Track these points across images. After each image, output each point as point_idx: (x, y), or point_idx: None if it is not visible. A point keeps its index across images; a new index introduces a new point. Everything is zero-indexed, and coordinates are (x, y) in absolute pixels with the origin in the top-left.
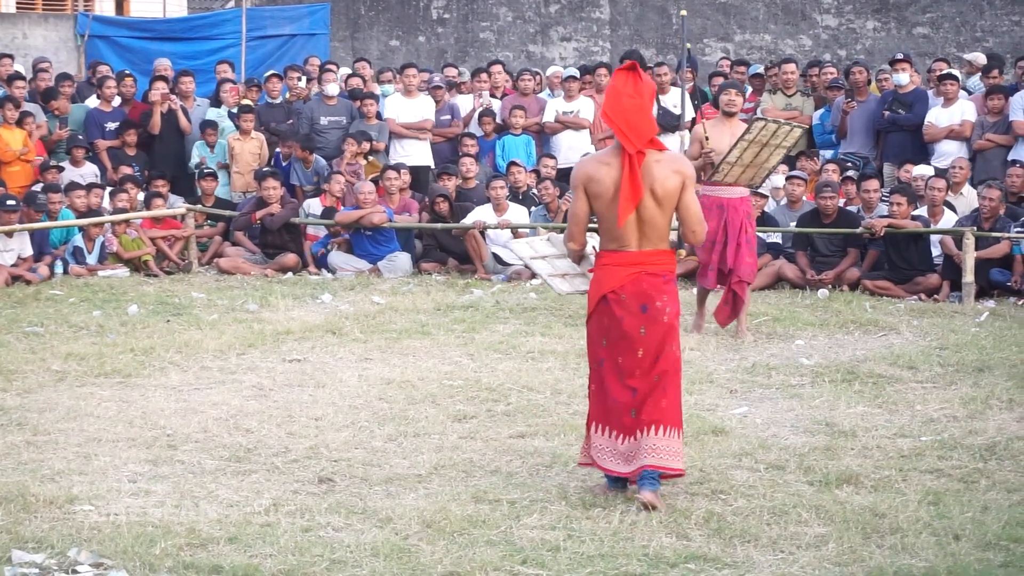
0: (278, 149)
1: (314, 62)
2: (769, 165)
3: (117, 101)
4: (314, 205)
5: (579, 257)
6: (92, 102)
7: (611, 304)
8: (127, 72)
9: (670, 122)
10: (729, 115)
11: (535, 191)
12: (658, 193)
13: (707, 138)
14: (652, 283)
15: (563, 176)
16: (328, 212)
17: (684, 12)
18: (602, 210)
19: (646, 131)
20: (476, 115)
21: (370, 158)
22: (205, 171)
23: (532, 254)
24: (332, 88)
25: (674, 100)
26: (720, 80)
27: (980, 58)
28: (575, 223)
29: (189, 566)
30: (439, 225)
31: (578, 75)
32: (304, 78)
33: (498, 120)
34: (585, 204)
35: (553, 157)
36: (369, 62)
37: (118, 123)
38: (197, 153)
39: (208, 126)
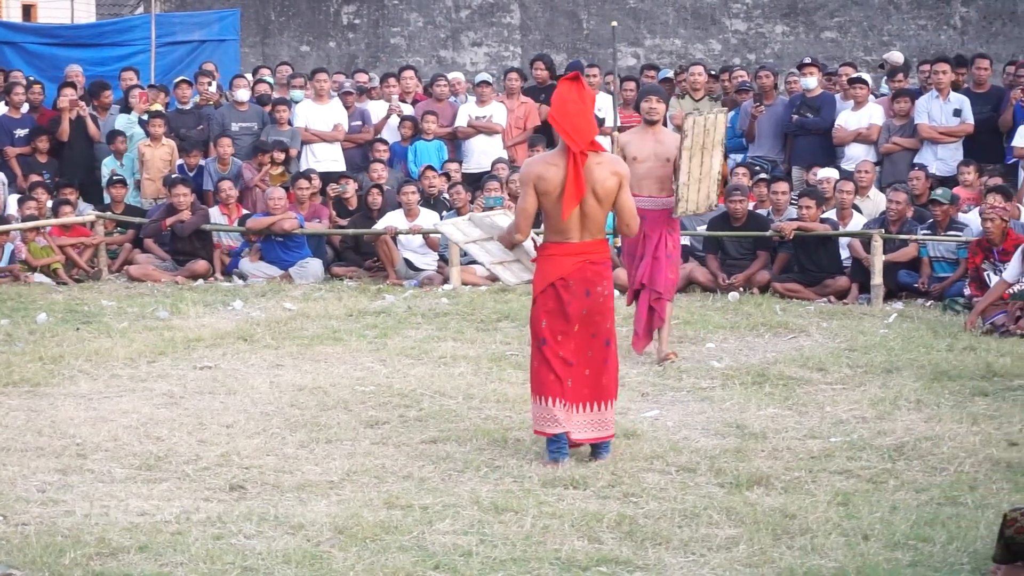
0: (180, 160)
1: (208, 67)
2: (714, 173)
3: (26, 108)
4: (214, 214)
5: (513, 245)
6: (0, 109)
7: (559, 290)
8: (34, 79)
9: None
10: (651, 123)
11: (446, 196)
12: (599, 192)
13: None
14: (594, 271)
15: (474, 180)
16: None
17: (615, 23)
18: (549, 206)
19: (588, 133)
20: (396, 120)
21: (280, 169)
22: (114, 177)
23: (463, 238)
24: (242, 94)
25: (600, 103)
26: (632, 85)
27: (897, 56)
28: (524, 217)
29: (99, 575)
30: (350, 231)
31: (490, 80)
32: (214, 83)
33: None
34: (534, 200)
35: (459, 161)
36: (291, 65)
37: (28, 130)
38: (107, 168)
39: (117, 135)
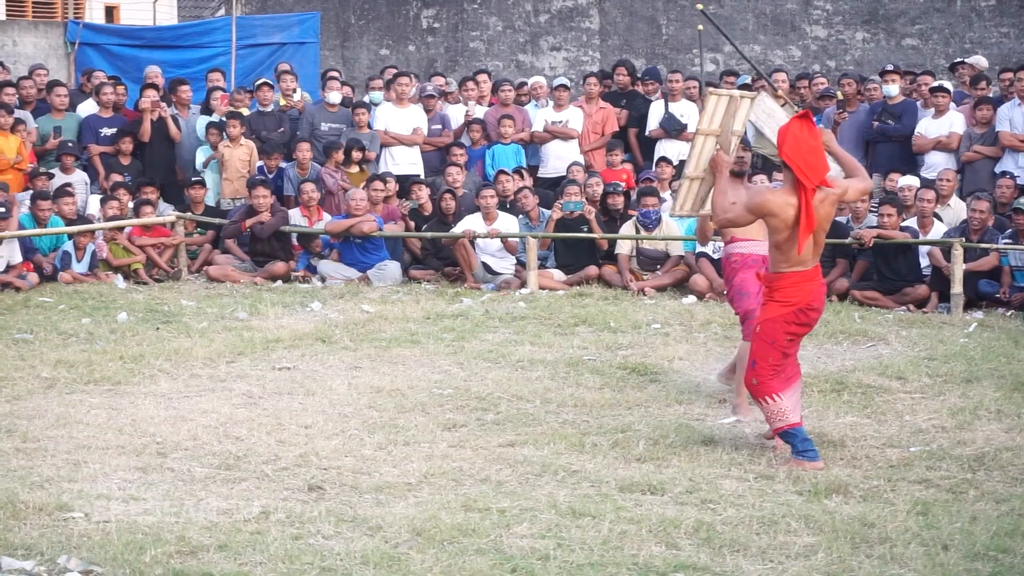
0: (260, 162)
1: (284, 67)
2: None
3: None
4: (294, 216)
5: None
6: (84, 109)
7: (807, 312)
8: (118, 80)
9: (675, 127)
10: (739, 176)
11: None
12: (824, 224)
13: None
14: (825, 293)
15: (551, 185)
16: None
17: (700, 6)
18: (782, 240)
19: (821, 171)
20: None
21: (363, 167)
22: (193, 179)
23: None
24: (334, 96)
25: (681, 109)
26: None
27: (982, 61)
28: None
29: (179, 573)
30: (428, 234)
31: (568, 84)
32: (299, 90)
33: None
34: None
35: (534, 167)
36: (386, 73)
37: (115, 130)
38: (202, 155)
39: (212, 127)
